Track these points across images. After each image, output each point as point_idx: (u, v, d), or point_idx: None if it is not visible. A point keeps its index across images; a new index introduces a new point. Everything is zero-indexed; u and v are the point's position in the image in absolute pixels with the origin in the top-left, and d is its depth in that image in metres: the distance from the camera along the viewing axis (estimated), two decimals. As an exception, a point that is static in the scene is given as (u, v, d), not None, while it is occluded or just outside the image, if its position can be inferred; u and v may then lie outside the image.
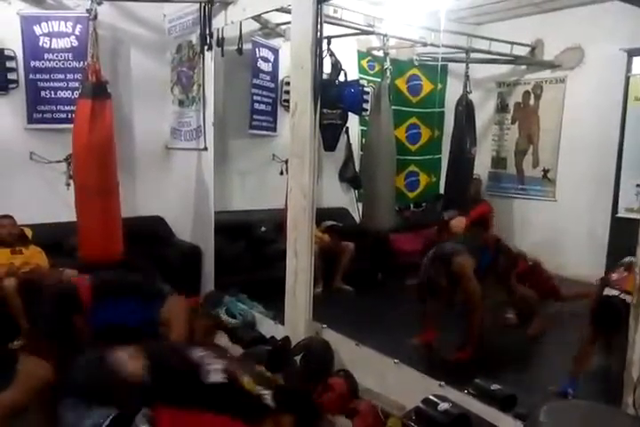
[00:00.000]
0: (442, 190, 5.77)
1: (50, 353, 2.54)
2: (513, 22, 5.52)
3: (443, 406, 2.51)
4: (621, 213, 4.65)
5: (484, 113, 5.84)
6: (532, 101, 5.72)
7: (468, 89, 5.45)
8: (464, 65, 5.44)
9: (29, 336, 3.58)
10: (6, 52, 4.22)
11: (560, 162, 5.33)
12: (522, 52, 5.61)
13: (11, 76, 4.26)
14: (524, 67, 5.80)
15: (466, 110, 5.40)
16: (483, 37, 5.36)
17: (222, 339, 3.94)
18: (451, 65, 5.74)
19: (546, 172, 5.36)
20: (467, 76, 5.43)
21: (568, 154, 5.20)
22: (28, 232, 4.01)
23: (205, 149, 4.54)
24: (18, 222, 3.99)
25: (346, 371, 3.15)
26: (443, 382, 2.71)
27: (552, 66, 5.50)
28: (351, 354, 3.28)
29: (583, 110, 5.05)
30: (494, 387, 2.60)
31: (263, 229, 4.91)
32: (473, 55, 5.39)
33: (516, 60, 5.63)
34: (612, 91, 4.81)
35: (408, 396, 2.78)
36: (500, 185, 5.83)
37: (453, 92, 5.68)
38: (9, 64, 4.24)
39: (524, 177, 5.70)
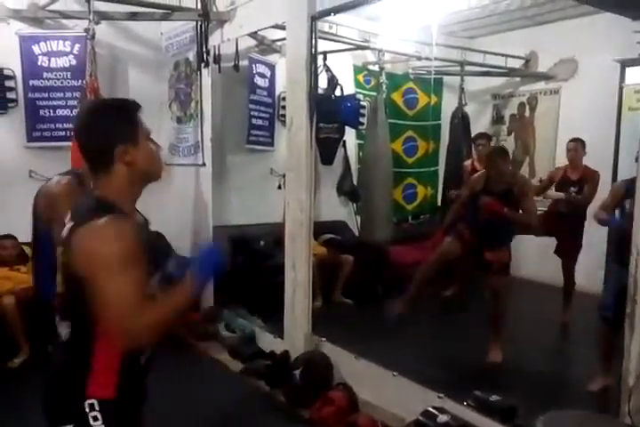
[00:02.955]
0: (439, 202, 5.79)
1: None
2: (506, 35, 5.59)
3: (442, 418, 2.51)
4: (618, 222, 4.65)
5: (480, 125, 5.87)
6: (527, 113, 5.77)
7: (463, 101, 5.51)
8: (459, 78, 5.51)
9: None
10: (5, 72, 4.28)
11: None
12: (516, 64, 5.68)
13: (10, 95, 4.31)
14: (518, 79, 5.86)
15: (462, 123, 5.46)
16: (476, 50, 5.44)
17: (221, 354, 3.93)
18: (446, 78, 5.81)
19: (542, 182, 5.37)
20: (462, 89, 5.50)
21: (564, 164, 5.22)
22: (29, 251, 4.03)
23: (204, 164, 4.57)
24: (18, 240, 4.00)
25: (345, 384, 3.15)
26: (442, 395, 2.70)
27: (546, 77, 5.57)
28: (350, 367, 3.27)
29: (578, 121, 5.08)
30: (494, 398, 2.59)
31: (262, 243, 4.92)
32: (468, 68, 5.46)
33: (510, 72, 5.70)
34: (607, 101, 4.85)
35: (407, 408, 2.78)
36: (498, 196, 5.84)
37: (449, 104, 5.74)
38: (8, 83, 4.29)
39: (521, 188, 5.71)
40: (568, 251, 4.34)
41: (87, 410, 1.36)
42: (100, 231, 1.29)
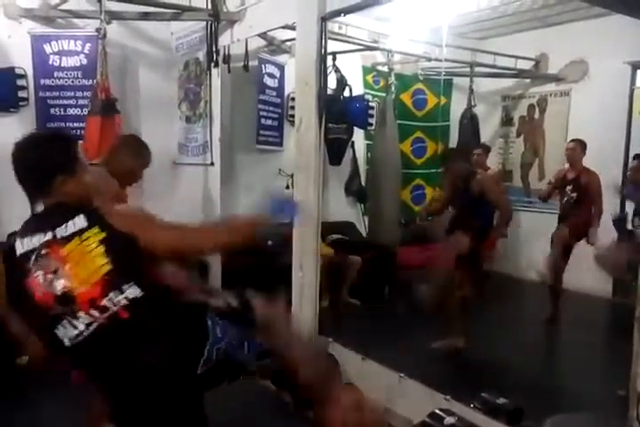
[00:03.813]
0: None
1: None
2: (517, 37, 5.57)
3: (449, 420, 2.50)
4: (629, 226, 4.63)
5: (489, 126, 5.86)
6: (536, 115, 5.74)
7: (472, 103, 5.50)
8: (469, 79, 5.49)
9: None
10: (17, 71, 4.30)
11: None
12: (526, 65, 5.65)
13: (21, 93, 4.34)
14: (528, 80, 5.84)
15: (471, 124, 5.44)
16: (486, 52, 5.42)
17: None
18: (455, 79, 5.79)
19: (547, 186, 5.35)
20: (471, 90, 5.49)
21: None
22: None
23: (212, 164, 4.58)
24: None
25: (352, 385, 3.14)
26: (449, 396, 2.70)
27: (556, 79, 5.54)
28: (357, 368, 3.27)
29: (588, 123, 5.06)
30: (501, 401, 2.58)
31: (269, 242, 4.92)
32: (477, 69, 5.44)
33: (520, 73, 5.68)
34: (617, 103, 4.83)
35: (414, 410, 2.77)
36: (506, 198, 5.82)
37: (458, 105, 5.73)
38: (19, 82, 4.32)
39: (529, 190, 5.70)
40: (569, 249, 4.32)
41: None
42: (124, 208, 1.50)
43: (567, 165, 4.52)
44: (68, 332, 1.45)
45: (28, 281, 1.48)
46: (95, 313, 1.43)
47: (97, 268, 1.44)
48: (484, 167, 4.86)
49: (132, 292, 1.44)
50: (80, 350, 1.46)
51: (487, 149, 5.12)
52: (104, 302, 1.43)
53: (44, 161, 1.51)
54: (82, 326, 1.44)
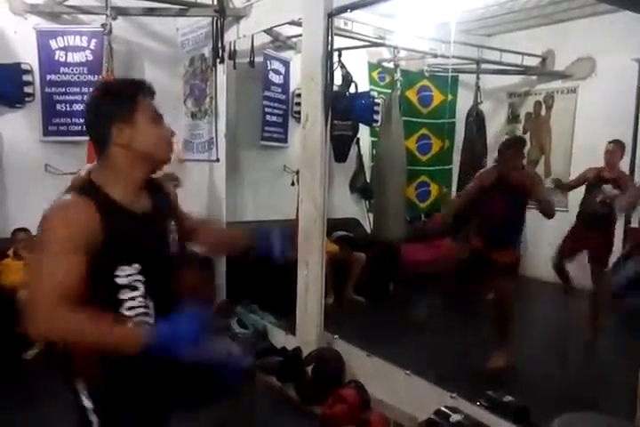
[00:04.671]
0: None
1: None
2: (523, 33, 5.54)
3: (455, 417, 2.50)
4: (634, 224, 4.61)
5: (495, 123, 5.83)
6: (543, 112, 5.71)
7: (478, 100, 5.47)
8: (475, 76, 5.46)
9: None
10: (23, 66, 4.31)
11: (572, 172, 5.28)
12: (533, 62, 5.62)
13: (27, 89, 4.34)
14: (534, 77, 5.81)
15: (477, 121, 5.42)
16: (493, 48, 5.39)
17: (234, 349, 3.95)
18: (461, 76, 5.76)
19: (556, 181, 5.32)
20: (477, 87, 5.46)
21: (580, 164, 5.15)
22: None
23: (217, 160, 4.58)
24: (33, 234, 4.04)
25: (357, 382, 3.14)
26: (455, 394, 2.69)
27: (563, 76, 5.50)
28: (362, 365, 3.27)
29: (595, 120, 5.03)
30: (507, 399, 2.58)
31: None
32: (483, 66, 5.41)
33: (526, 70, 5.65)
34: (624, 101, 4.79)
35: (420, 407, 2.77)
36: (512, 195, 5.80)
37: (464, 102, 5.70)
38: (25, 78, 4.32)
39: (536, 187, 5.67)
40: (600, 254, 4.21)
41: (77, 385, 1.38)
42: (54, 210, 1.28)
43: (577, 164, 4.46)
44: None
45: None
46: None
47: None
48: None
49: None
50: None
51: (523, 144, 4.86)
52: None
53: (99, 111, 1.35)
54: None
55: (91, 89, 4.25)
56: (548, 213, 3.58)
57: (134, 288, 1.34)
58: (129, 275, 1.33)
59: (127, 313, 1.34)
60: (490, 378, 3.22)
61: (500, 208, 3.50)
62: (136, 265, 1.33)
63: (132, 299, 1.34)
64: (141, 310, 1.35)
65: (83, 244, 1.24)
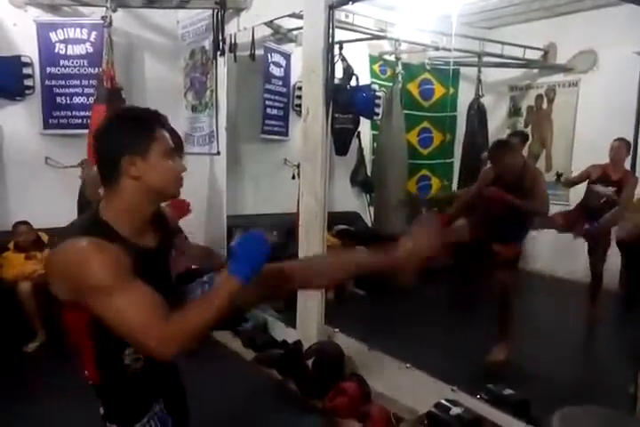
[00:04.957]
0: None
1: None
2: (525, 26, 5.51)
3: (455, 410, 2.52)
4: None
5: (497, 117, 5.82)
6: (544, 105, 5.70)
7: (480, 93, 5.45)
8: (476, 69, 5.44)
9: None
10: (23, 59, 4.29)
11: (573, 165, 5.28)
12: (534, 55, 5.60)
13: (27, 82, 4.33)
14: (536, 70, 5.78)
15: (478, 114, 5.40)
16: (495, 41, 5.36)
17: (234, 343, 3.96)
18: (463, 69, 5.74)
19: (559, 175, 5.32)
20: (479, 80, 5.43)
21: (582, 157, 5.16)
22: (45, 237, 4.06)
23: (218, 153, 4.57)
24: (34, 227, 4.03)
25: (358, 375, 3.16)
26: (455, 387, 2.71)
27: (565, 69, 5.48)
28: (363, 358, 3.28)
29: (597, 114, 5.01)
30: (507, 392, 2.59)
31: (275, 233, 4.92)
32: (485, 59, 5.38)
33: (528, 63, 5.62)
34: (626, 94, 4.76)
35: (420, 400, 2.78)
36: (513, 189, 5.79)
37: (465, 96, 5.68)
38: (25, 70, 4.31)
39: (537, 181, 5.67)
40: (598, 248, 4.22)
41: None
42: (77, 254, 1.18)
43: (578, 158, 4.45)
44: None
45: None
46: None
47: None
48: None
49: None
50: None
51: (525, 138, 4.78)
52: None
53: (112, 140, 1.29)
54: None
55: (91, 82, 4.26)
56: (539, 211, 3.58)
57: None
58: None
59: (131, 358, 1.31)
60: (490, 371, 3.22)
61: (499, 207, 3.49)
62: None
63: None
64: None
65: (129, 272, 1.21)
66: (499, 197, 3.43)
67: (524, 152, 4.75)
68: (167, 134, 1.33)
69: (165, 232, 1.42)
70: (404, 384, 3.01)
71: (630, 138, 4.63)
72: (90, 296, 1.18)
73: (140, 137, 1.28)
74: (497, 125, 5.79)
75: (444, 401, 2.60)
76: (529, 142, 5.73)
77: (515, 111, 5.93)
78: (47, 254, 1.27)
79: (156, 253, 1.36)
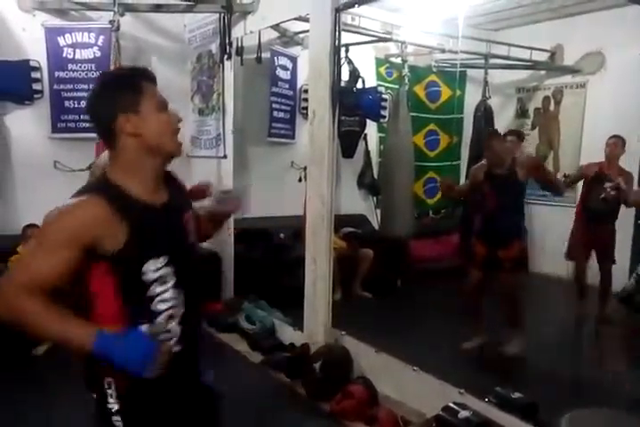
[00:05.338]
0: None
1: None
2: (532, 28, 5.51)
3: (463, 414, 2.50)
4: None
5: (504, 119, 5.81)
6: (552, 107, 5.68)
7: (486, 95, 5.44)
8: (483, 71, 5.44)
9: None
10: (31, 63, 4.32)
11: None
12: (541, 57, 5.59)
13: (36, 86, 4.36)
14: (543, 72, 5.77)
15: (485, 116, 5.39)
16: (501, 43, 5.35)
17: (242, 345, 3.96)
18: (469, 71, 5.74)
19: (567, 177, 5.29)
20: (485, 82, 5.43)
21: (589, 159, 5.12)
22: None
23: (225, 156, 4.58)
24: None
25: (365, 378, 3.15)
26: (463, 390, 2.69)
27: (572, 71, 5.47)
28: (370, 361, 3.27)
29: (604, 115, 5.00)
30: (515, 395, 2.57)
31: (282, 235, 4.94)
32: (492, 61, 5.38)
33: (535, 65, 5.61)
34: (634, 95, 4.75)
35: (428, 403, 2.77)
36: (520, 191, 5.77)
37: (472, 98, 5.68)
38: (34, 75, 4.34)
39: (544, 183, 5.65)
40: (605, 249, 4.23)
41: (106, 387, 1.33)
42: (65, 206, 1.26)
43: (585, 160, 4.44)
44: None
45: None
46: None
47: None
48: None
49: None
50: None
51: (521, 137, 4.76)
52: None
53: (102, 101, 1.31)
54: None
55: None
56: (556, 189, 3.69)
57: (164, 282, 1.34)
58: (158, 268, 1.32)
59: (160, 307, 1.34)
60: (498, 374, 3.21)
61: (494, 202, 3.54)
62: (164, 257, 1.33)
63: (163, 292, 1.34)
64: (173, 302, 1.36)
65: (82, 244, 1.24)
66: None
67: (522, 150, 4.78)
68: (156, 88, 1.36)
69: (176, 191, 1.46)
70: (411, 387, 3.00)
71: (634, 138, 4.63)
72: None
73: (128, 93, 1.31)
74: (504, 127, 5.75)
75: (452, 404, 2.58)
76: (537, 144, 5.74)
77: (522, 113, 5.92)
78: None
79: (167, 209, 1.38)
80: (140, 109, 1.30)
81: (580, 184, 4.64)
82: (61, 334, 1.24)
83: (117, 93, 1.31)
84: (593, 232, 4.19)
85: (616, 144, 4.18)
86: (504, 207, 3.53)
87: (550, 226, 5.34)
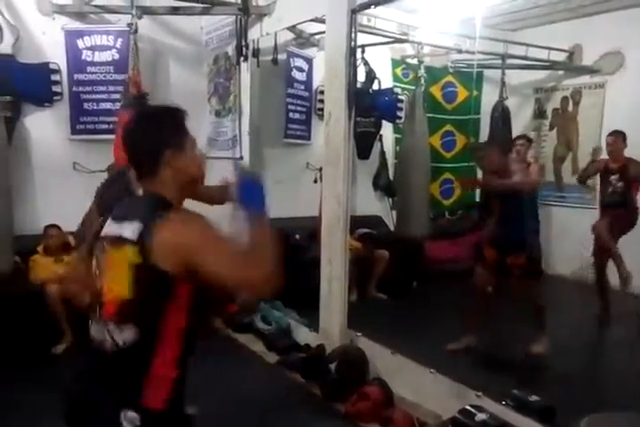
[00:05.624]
0: (477, 198, 5.70)
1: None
2: (549, 27, 5.45)
3: (480, 416, 2.49)
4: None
5: (521, 119, 5.76)
6: (570, 107, 5.62)
7: (504, 95, 5.40)
8: (500, 71, 5.39)
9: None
10: (51, 66, 4.38)
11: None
12: (559, 57, 5.53)
13: (55, 88, 4.42)
14: (561, 72, 5.71)
15: (502, 117, 5.35)
16: (519, 43, 5.31)
17: (257, 346, 3.98)
18: (486, 71, 5.69)
19: (584, 171, 5.23)
20: (503, 83, 5.38)
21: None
22: (72, 241, 4.13)
23: (241, 158, 4.60)
24: (64, 231, 4.10)
25: (381, 379, 3.14)
26: (480, 393, 2.68)
27: (591, 71, 5.40)
28: (386, 363, 3.26)
29: (624, 116, 4.92)
30: (533, 398, 2.55)
31: (297, 236, 4.94)
32: (509, 61, 5.34)
33: (553, 65, 5.56)
34: (654, 96, 4.69)
35: (444, 406, 2.76)
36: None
37: (489, 98, 5.63)
38: (53, 77, 4.40)
39: (562, 184, 5.60)
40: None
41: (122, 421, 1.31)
42: (186, 221, 1.35)
43: (607, 157, 4.45)
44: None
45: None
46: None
47: (120, 288, 1.35)
48: (525, 161, 4.69)
49: (126, 336, 1.34)
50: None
51: (530, 140, 4.76)
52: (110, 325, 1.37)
53: (151, 137, 1.44)
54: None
55: (117, 88, 4.33)
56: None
57: None
58: None
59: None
60: (516, 377, 3.18)
61: (499, 211, 3.56)
62: None
63: None
64: None
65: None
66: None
67: (531, 154, 4.95)
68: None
69: None
70: (427, 389, 2.99)
71: None
72: (197, 250, 1.32)
73: (178, 133, 1.46)
74: (521, 128, 5.72)
75: (468, 407, 2.57)
76: (555, 145, 5.68)
77: (540, 113, 5.86)
78: (139, 234, 1.33)
79: None
80: (185, 148, 1.45)
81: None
82: (260, 238, 1.45)
83: (169, 130, 1.45)
84: (611, 222, 4.26)
85: (615, 141, 4.32)
86: (511, 215, 3.51)
87: (568, 227, 5.29)
